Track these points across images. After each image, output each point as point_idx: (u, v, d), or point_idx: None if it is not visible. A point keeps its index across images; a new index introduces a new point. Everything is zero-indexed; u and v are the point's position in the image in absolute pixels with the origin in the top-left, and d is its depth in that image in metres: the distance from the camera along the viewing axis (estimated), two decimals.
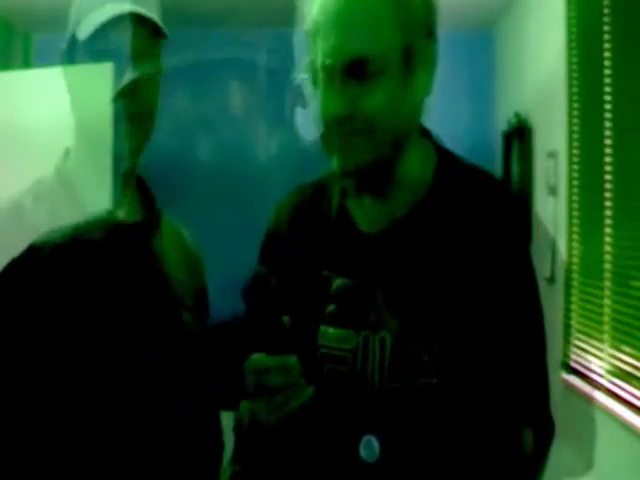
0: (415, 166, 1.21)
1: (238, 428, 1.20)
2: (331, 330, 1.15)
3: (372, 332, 1.13)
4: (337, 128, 1.14)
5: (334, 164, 1.19)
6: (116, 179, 1.32)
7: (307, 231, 1.25)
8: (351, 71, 1.10)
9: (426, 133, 1.25)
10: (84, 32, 1.31)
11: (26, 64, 4.49)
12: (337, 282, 1.13)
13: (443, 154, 1.24)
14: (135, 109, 1.31)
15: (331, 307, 1.12)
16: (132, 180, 1.39)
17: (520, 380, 1.15)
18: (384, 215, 1.20)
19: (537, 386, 1.18)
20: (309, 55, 1.17)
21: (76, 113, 1.35)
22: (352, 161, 1.15)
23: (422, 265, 1.16)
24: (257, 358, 1.08)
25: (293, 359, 1.08)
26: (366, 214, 1.22)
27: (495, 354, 1.13)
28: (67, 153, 1.37)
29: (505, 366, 1.14)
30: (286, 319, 1.09)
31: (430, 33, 1.16)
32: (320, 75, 1.14)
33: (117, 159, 1.30)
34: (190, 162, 4.71)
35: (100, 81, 1.32)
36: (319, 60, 1.13)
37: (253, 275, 1.11)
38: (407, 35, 1.13)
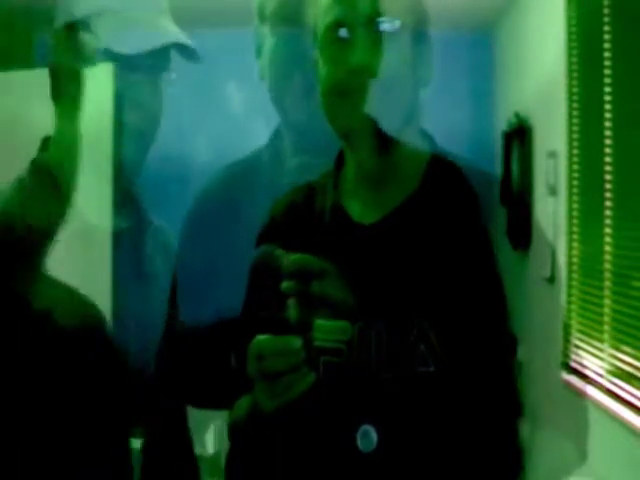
0: (408, 159, 1.23)
1: (233, 428, 1.20)
2: (325, 322, 1.15)
3: (367, 323, 1.14)
4: (357, 79, 1.16)
5: (339, 129, 1.20)
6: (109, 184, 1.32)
7: (302, 225, 1.26)
8: (371, 25, 1.17)
9: (420, 130, 1.27)
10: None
11: (26, 64, 4.49)
12: (291, 257, 1.09)
13: (435, 149, 1.27)
14: (138, 123, 1.30)
15: (285, 283, 1.08)
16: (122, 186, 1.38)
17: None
18: (378, 207, 1.22)
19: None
20: (314, 19, 1.21)
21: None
22: (365, 115, 1.17)
23: (417, 255, 1.17)
24: (262, 339, 1.07)
25: (298, 341, 1.07)
26: (360, 206, 1.23)
27: (481, 344, 1.14)
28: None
29: (492, 358, 1.14)
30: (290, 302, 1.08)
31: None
32: (333, 33, 1.18)
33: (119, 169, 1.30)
34: (187, 161, 4.70)
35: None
36: (335, 15, 1.17)
37: (262, 252, 1.10)
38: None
